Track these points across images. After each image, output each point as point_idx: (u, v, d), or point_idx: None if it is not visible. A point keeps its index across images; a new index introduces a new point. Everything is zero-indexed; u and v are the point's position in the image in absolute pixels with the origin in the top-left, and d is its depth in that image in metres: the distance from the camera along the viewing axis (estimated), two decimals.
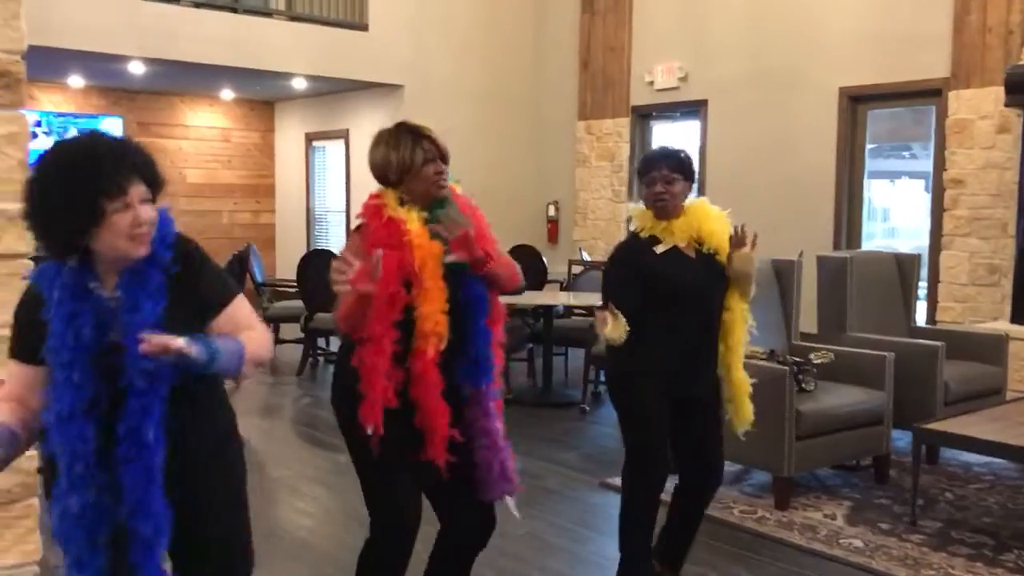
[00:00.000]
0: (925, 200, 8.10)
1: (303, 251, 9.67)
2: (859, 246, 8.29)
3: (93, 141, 1.97)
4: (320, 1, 9.90)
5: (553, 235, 10.94)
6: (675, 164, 3.23)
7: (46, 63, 8.92)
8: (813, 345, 5.11)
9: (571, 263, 9.07)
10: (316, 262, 7.86)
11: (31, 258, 2.51)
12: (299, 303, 8.09)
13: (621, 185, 10.27)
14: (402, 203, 2.63)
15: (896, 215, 9.80)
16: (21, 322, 2.03)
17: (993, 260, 7.38)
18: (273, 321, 8.40)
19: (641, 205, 3.32)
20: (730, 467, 5.13)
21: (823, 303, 5.73)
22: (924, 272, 7.29)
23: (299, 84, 10.76)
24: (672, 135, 10.34)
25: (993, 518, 4.39)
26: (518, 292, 2.88)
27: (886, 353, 4.92)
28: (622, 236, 10.05)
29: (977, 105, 7.42)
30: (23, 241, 2.49)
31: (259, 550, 2.29)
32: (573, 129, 10.68)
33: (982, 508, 4.54)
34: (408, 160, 2.64)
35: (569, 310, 7.59)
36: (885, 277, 5.92)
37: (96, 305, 1.97)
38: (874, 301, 5.72)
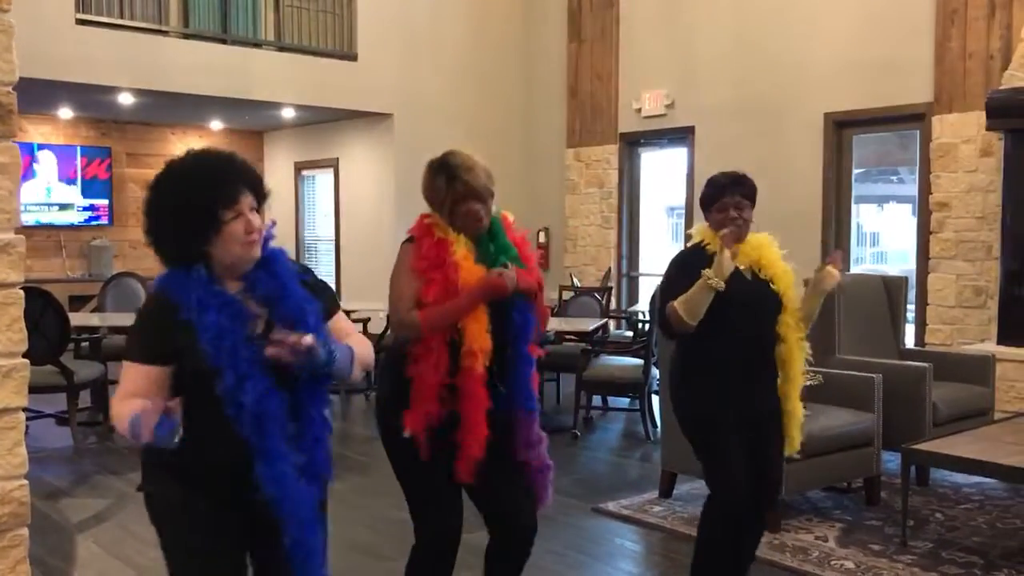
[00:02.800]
0: (912, 224, 8.17)
1: None
2: (848, 270, 8.33)
3: (203, 157, 2.19)
4: (309, 31, 9.97)
5: (544, 261, 10.98)
6: (745, 190, 3.32)
7: (35, 95, 8.95)
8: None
9: (562, 289, 9.09)
10: None
11: (22, 287, 2.51)
12: None
13: (611, 212, 10.32)
14: (453, 226, 2.82)
15: (885, 239, 9.88)
16: (148, 327, 2.16)
17: (979, 282, 7.45)
18: None
19: (705, 225, 3.39)
20: None
21: (812, 326, 5.75)
22: (912, 295, 7.35)
23: (288, 114, 10.80)
24: (660, 162, 10.42)
25: (982, 537, 4.41)
26: (539, 340, 3.05)
27: (875, 375, 4.95)
28: (611, 263, 10.17)
29: (960, 129, 7.51)
30: (14, 270, 2.50)
31: None
32: (562, 156, 10.75)
33: (971, 528, 4.55)
34: (440, 200, 2.82)
35: (560, 336, 7.61)
36: (873, 300, 5.96)
37: (232, 303, 2.14)
38: (863, 324, 5.76)
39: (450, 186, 2.79)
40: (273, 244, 2.28)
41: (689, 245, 3.44)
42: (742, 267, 3.31)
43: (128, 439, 2.02)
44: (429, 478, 2.81)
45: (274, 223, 2.27)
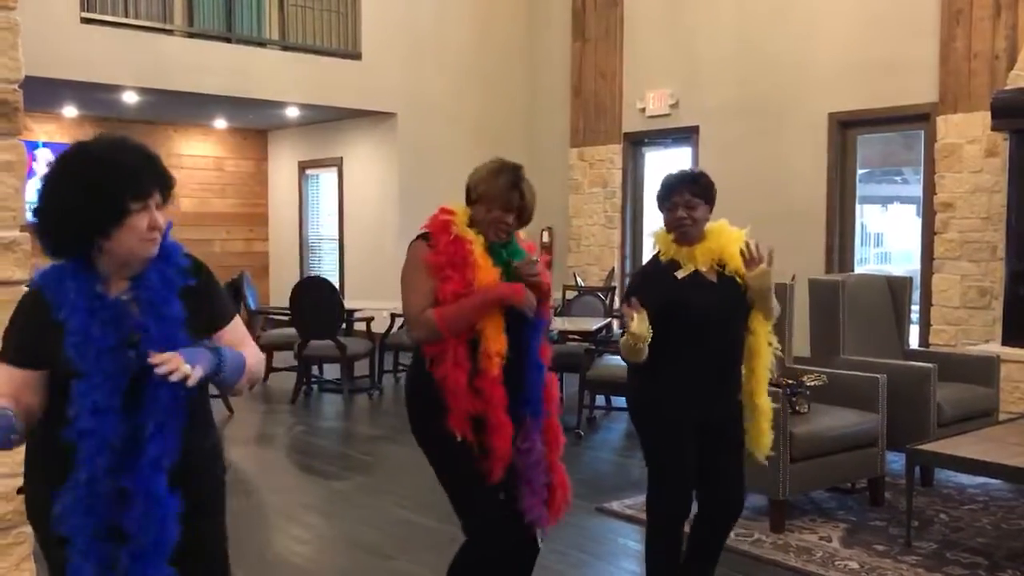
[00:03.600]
0: (917, 224, 8.16)
1: (296, 279, 9.69)
2: (852, 270, 8.32)
3: (119, 143, 2.01)
4: (313, 31, 9.98)
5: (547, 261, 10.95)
6: (697, 188, 3.19)
7: (40, 93, 8.96)
8: (806, 368, 5.12)
9: (565, 289, 9.09)
10: (309, 290, 7.89)
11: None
12: (292, 331, 8.09)
13: (614, 211, 10.32)
14: (470, 224, 2.84)
15: (889, 240, 9.86)
16: (22, 326, 2.00)
17: (983, 283, 7.43)
18: (266, 348, 8.39)
19: (663, 228, 3.27)
20: None
21: (816, 326, 5.76)
22: (917, 295, 7.33)
23: (292, 113, 10.81)
24: (664, 162, 10.40)
25: (987, 538, 4.40)
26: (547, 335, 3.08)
27: (879, 375, 4.94)
28: (615, 263, 10.16)
29: (965, 130, 7.49)
30: (19, 268, 2.51)
31: (253, 575, 2.29)
32: (566, 156, 10.74)
33: (976, 529, 4.54)
34: (489, 194, 2.84)
35: (564, 335, 7.60)
36: (877, 300, 5.95)
37: (111, 307, 1.98)
38: (867, 324, 5.75)
39: (509, 190, 2.84)
40: (171, 238, 2.13)
41: (651, 257, 3.35)
42: (704, 268, 3.20)
43: None
44: (481, 477, 2.82)
45: (170, 224, 2.11)
